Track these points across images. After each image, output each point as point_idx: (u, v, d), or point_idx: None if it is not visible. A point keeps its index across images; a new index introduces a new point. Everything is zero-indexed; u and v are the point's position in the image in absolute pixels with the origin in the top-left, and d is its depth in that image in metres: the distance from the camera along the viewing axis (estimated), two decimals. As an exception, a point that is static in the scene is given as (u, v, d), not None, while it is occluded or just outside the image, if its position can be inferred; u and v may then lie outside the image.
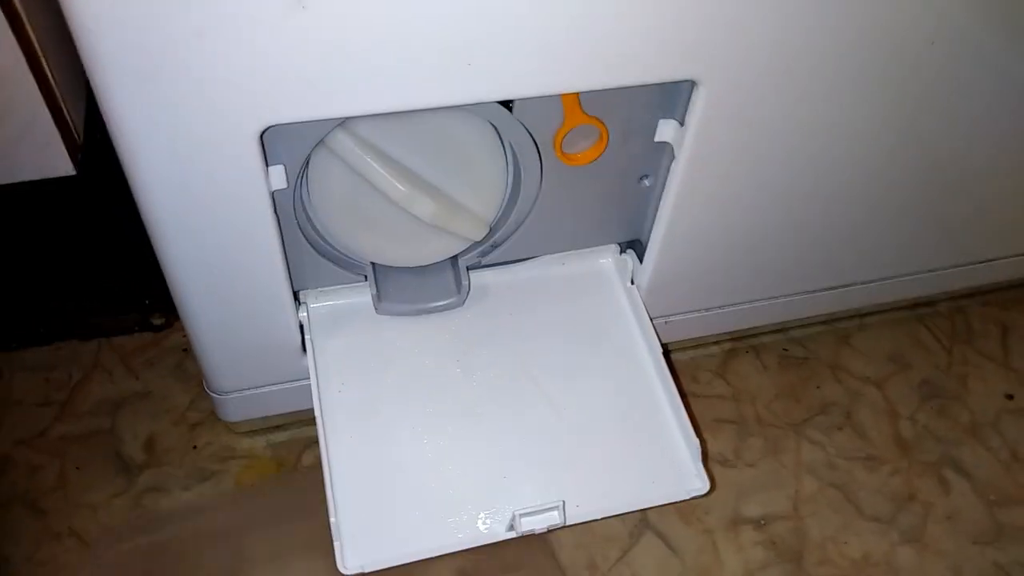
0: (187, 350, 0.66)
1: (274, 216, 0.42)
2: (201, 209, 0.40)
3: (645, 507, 0.45)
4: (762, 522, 0.58)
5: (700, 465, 0.46)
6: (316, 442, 0.49)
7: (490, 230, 0.49)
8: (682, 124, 0.44)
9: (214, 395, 0.53)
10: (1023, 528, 0.58)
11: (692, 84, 0.42)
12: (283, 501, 0.57)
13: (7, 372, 0.64)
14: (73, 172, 0.52)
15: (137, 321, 0.67)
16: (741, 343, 0.68)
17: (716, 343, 0.68)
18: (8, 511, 0.56)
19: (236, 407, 0.54)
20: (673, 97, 0.44)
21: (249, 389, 0.53)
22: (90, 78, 0.33)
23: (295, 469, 0.59)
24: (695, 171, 0.45)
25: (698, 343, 0.67)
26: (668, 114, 0.45)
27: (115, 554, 0.54)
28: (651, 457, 0.47)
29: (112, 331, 0.67)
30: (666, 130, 0.45)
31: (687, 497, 0.46)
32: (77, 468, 0.59)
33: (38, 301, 0.65)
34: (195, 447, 0.60)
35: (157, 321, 0.67)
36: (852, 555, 0.57)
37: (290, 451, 0.60)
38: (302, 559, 0.54)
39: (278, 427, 0.60)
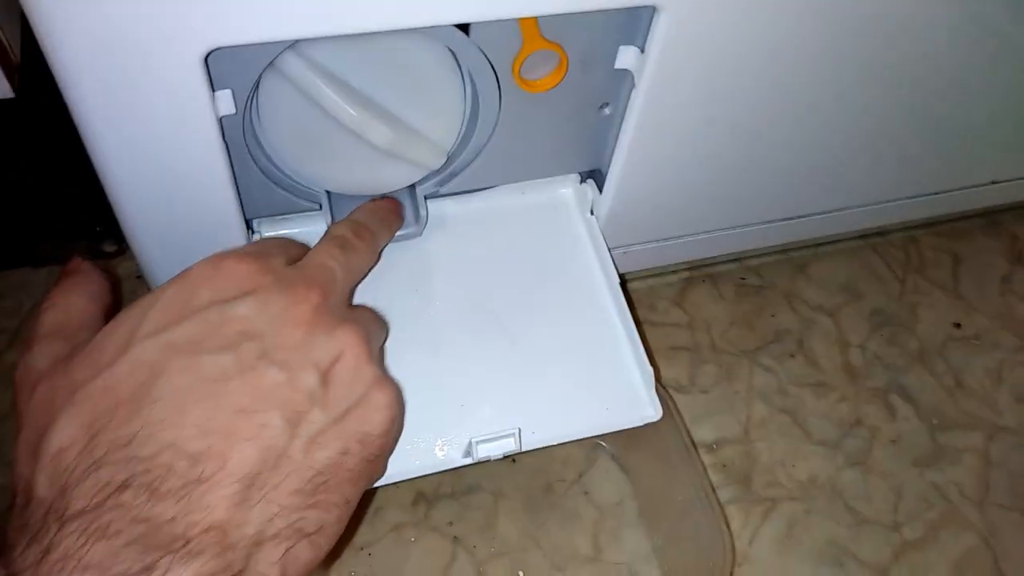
0: (140, 277, 0.65)
1: (222, 143, 0.40)
2: (145, 137, 0.38)
3: (598, 433, 0.46)
4: (714, 446, 0.60)
5: (653, 393, 0.47)
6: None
7: (448, 158, 0.48)
8: (643, 51, 0.43)
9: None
10: (961, 450, 0.61)
11: (653, 9, 0.41)
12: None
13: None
14: (11, 95, 0.49)
15: (88, 248, 0.66)
16: (698, 272, 0.69)
17: (674, 272, 0.68)
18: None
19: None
20: (634, 23, 0.43)
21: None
22: (18, -7, 0.31)
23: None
24: (655, 99, 0.45)
25: (656, 272, 0.68)
26: (629, 40, 0.44)
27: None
28: (606, 385, 0.48)
29: (63, 258, 0.65)
30: (626, 57, 0.44)
31: (640, 424, 0.47)
32: (31, 397, 0.58)
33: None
34: (152, 376, 0.59)
35: (109, 248, 0.66)
36: (799, 477, 0.59)
37: (249, 379, 0.60)
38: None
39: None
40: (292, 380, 0.32)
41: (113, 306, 0.40)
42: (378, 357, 0.40)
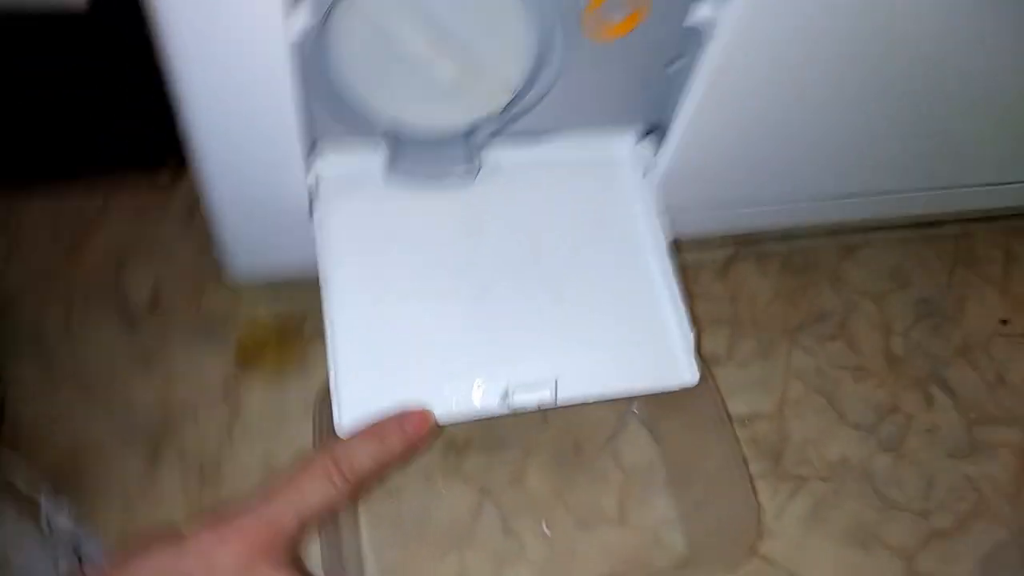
0: (192, 210, 0.65)
1: (291, 57, 0.40)
2: (220, 41, 0.38)
3: (634, 393, 0.46)
4: (747, 420, 0.60)
5: (692, 358, 0.47)
6: (319, 313, 0.50)
7: (512, 100, 0.48)
8: (719, 7, 0.42)
9: (222, 250, 0.53)
10: (998, 445, 0.60)
11: (734, -37, 0.40)
12: (282, 366, 0.58)
13: (15, 220, 0.64)
14: (84, 7, 0.50)
15: (145, 176, 0.66)
16: (745, 249, 0.68)
17: (720, 247, 0.68)
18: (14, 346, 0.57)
19: (244, 264, 0.54)
20: (712, -23, 0.42)
21: (258, 248, 0.52)
22: None
23: (296, 337, 0.60)
24: (730, 58, 0.44)
25: (703, 245, 0.67)
26: (706, -7, 0.43)
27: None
28: (645, 346, 0.47)
29: (119, 187, 0.66)
30: (702, 11, 0.44)
31: (677, 387, 0.47)
32: (82, 313, 0.59)
33: (45, 149, 0.64)
34: (199, 305, 0.60)
35: (164, 179, 0.67)
36: (830, 458, 0.58)
37: (292, 319, 0.60)
38: (297, 421, 0.56)
39: (282, 295, 0.61)
40: None
41: None
42: None
